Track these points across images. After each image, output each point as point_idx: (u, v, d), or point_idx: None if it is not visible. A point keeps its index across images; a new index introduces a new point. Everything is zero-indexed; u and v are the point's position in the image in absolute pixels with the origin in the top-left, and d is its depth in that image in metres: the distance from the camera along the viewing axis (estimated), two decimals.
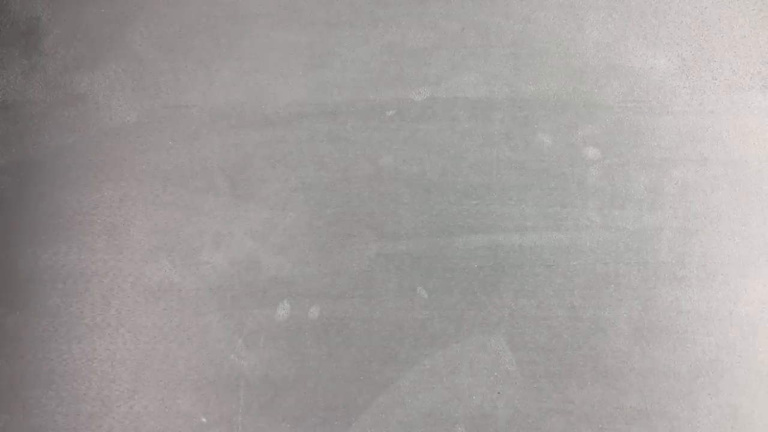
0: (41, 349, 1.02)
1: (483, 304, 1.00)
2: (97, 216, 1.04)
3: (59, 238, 1.04)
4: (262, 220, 1.03)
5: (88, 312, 1.02)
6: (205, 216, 1.03)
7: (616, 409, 0.98)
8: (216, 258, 1.02)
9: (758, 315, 1.00)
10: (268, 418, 0.99)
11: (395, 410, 0.99)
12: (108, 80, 1.07)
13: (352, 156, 1.04)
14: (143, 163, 1.05)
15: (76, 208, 1.05)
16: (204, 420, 1.00)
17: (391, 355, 1.00)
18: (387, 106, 1.05)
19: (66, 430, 1.00)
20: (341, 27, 1.07)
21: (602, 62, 1.05)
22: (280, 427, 0.99)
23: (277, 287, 1.01)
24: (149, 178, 1.04)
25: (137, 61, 1.07)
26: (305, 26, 1.07)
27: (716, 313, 1.00)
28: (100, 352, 1.01)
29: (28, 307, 1.02)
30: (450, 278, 1.00)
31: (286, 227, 1.02)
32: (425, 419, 0.99)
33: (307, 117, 1.05)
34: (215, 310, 1.01)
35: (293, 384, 1.00)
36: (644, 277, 1.00)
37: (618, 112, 1.03)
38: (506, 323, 1.00)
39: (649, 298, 1.00)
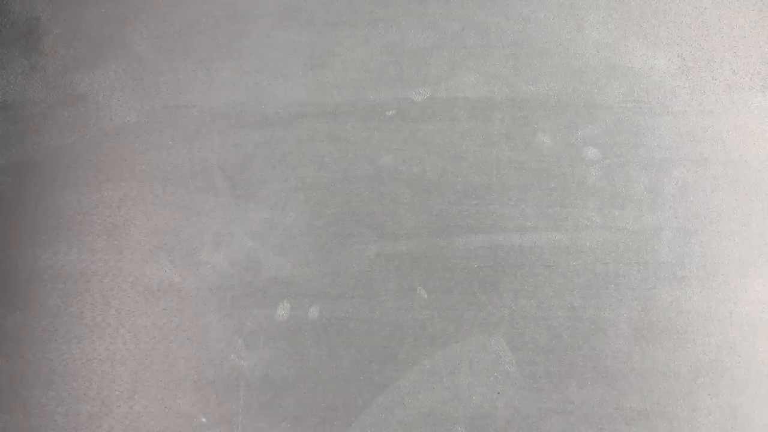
0: (41, 349, 1.02)
1: (483, 304, 1.00)
2: (97, 216, 1.04)
3: (59, 238, 1.04)
4: (262, 220, 1.03)
5: (88, 312, 1.02)
6: (205, 216, 1.03)
7: (615, 409, 0.98)
8: (216, 258, 1.02)
9: (758, 315, 0.99)
10: (268, 418, 0.99)
11: (395, 410, 0.99)
12: (108, 80, 1.07)
13: (352, 156, 1.04)
14: (143, 163, 1.05)
15: (76, 208, 1.05)
16: (204, 420, 1.00)
17: (391, 355, 1.00)
18: (387, 106, 1.05)
19: (66, 430, 1.00)
20: (341, 27, 1.07)
21: (602, 62, 1.05)
22: (280, 427, 0.99)
23: (277, 287, 1.01)
24: (149, 178, 1.04)
25: (137, 61, 1.07)
26: (305, 26, 1.07)
27: (716, 313, 1.00)
28: (100, 352, 1.01)
29: (28, 307, 1.02)
30: (450, 278, 1.00)
31: (286, 227, 1.02)
32: (425, 419, 0.99)
33: (307, 117, 1.05)
34: (215, 310, 1.01)
35: (293, 384, 1.00)
36: (644, 277, 1.00)
37: (618, 112, 1.03)
38: (506, 323, 1.00)
39: (649, 299, 1.00)
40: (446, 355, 1.00)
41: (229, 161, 1.04)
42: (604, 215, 1.02)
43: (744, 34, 1.06)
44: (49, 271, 1.03)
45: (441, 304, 1.00)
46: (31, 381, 1.01)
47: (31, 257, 1.03)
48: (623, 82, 1.04)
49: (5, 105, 1.07)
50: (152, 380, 1.01)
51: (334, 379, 1.00)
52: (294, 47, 1.06)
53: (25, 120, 1.06)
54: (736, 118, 1.03)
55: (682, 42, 1.05)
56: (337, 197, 1.03)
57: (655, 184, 1.02)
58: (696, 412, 0.98)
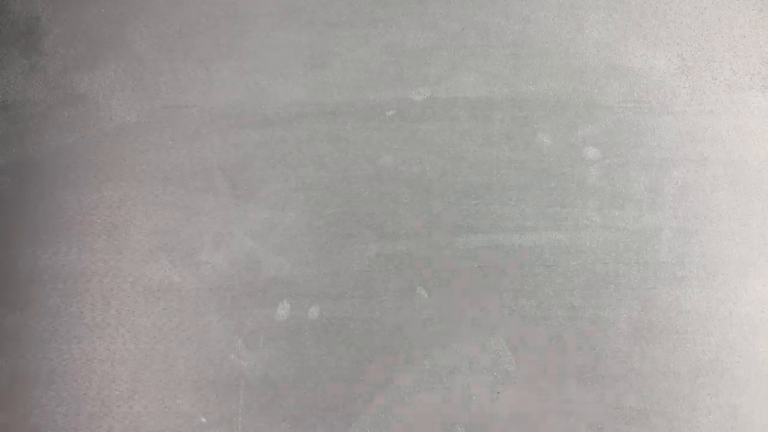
0: (41, 349, 1.02)
1: (483, 304, 1.00)
2: (97, 216, 1.04)
3: (59, 238, 1.04)
4: (262, 220, 1.03)
5: (88, 312, 1.02)
6: (205, 216, 1.03)
7: (615, 409, 0.98)
8: (216, 258, 1.02)
9: (758, 315, 0.99)
10: (268, 418, 0.99)
11: (395, 410, 0.99)
12: (108, 80, 1.07)
13: (352, 156, 1.04)
14: (143, 163, 1.05)
15: (76, 208, 1.05)
16: (204, 420, 1.00)
17: (391, 355, 1.00)
18: (387, 106, 1.05)
19: (66, 430, 1.00)
20: (341, 27, 1.07)
21: (602, 62, 1.05)
22: (280, 427, 0.99)
23: (277, 287, 1.01)
24: (149, 178, 1.04)
25: (137, 61, 1.07)
26: (305, 26, 1.07)
27: (716, 313, 1.00)
28: (100, 352, 1.01)
29: (28, 307, 1.02)
30: (450, 278, 1.00)
31: (286, 227, 1.02)
32: (425, 419, 0.99)
33: (307, 117, 1.05)
34: (215, 310, 1.01)
35: (293, 384, 1.00)
36: (644, 277, 1.00)
37: (618, 112, 1.03)
38: (506, 323, 1.00)
39: (649, 298, 1.00)
40: (446, 355, 1.00)
41: (229, 161, 1.04)
42: (604, 215, 1.02)
43: (744, 34, 1.06)
44: (49, 271, 1.03)
45: (441, 304, 1.00)
46: (31, 381, 1.01)
47: (31, 257, 1.03)
48: (623, 82, 1.04)
49: (5, 105, 1.07)
50: (152, 380, 1.01)
51: (334, 379, 1.00)
52: (294, 47, 1.06)
53: (25, 120, 1.06)
54: (736, 118, 1.03)
55: (682, 42, 1.05)
56: (337, 197, 1.03)
57: (655, 184, 1.02)
58: (696, 412, 0.98)
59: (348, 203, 1.02)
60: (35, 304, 1.03)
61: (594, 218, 1.02)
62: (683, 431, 0.98)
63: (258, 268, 1.02)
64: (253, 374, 1.00)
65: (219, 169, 1.04)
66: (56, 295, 1.03)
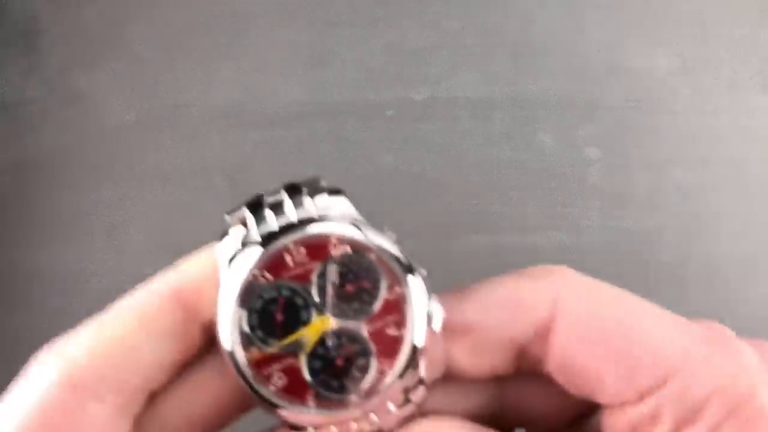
0: (41, 349, 1.02)
1: None
2: (97, 216, 1.04)
3: (58, 238, 1.03)
4: None
5: (88, 312, 1.02)
6: (205, 216, 1.03)
7: None
8: None
9: (760, 315, 0.99)
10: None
11: None
12: (107, 80, 1.06)
13: (352, 156, 1.03)
14: (142, 163, 1.04)
15: (75, 208, 1.04)
16: None
17: None
18: (387, 106, 1.04)
19: None
20: (341, 26, 1.06)
21: (603, 62, 1.05)
22: None
23: None
24: (148, 177, 1.04)
25: (136, 60, 1.07)
26: (305, 26, 1.07)
27: (718, 314, 0.99)
28: None
29: (27, 307, 1.02)
30: (450, 279, 1.00)
31: None
32: None
33: (307, 117, 1.05)
34: None
35: None
36: (645, 278, 1.00)
37: (619, 111, 1.03)
38: None
39: (650, 299, 1.00)
40: None
41: (228, 161, 1.04)
42: (605, 215, 1.01)
43: (746, 33, 1.05)
44: (48, 271, 1.03)
45: None
46: None
47: (29, 257, 1.03)
48: (624, 82, 1.04)
49: (3, 104, 1.06)
50: None
51: None
52: (294, 46, 1.06)
53: (23, 119, 1.06)
54: (738, 118, 1.03)
55: (684, 41, 1.05)
56: None
57: (657, 184, 1.02)
58: None
59: None
60: (34, 304, 1.02)
61: (595, 218, 1.01)
62: None
63: None
64: None
65: (219, 169, 1.04)
66: (55, 295, 1.03)
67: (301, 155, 1.04)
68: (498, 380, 0.45)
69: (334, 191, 0.44)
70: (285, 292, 0.38)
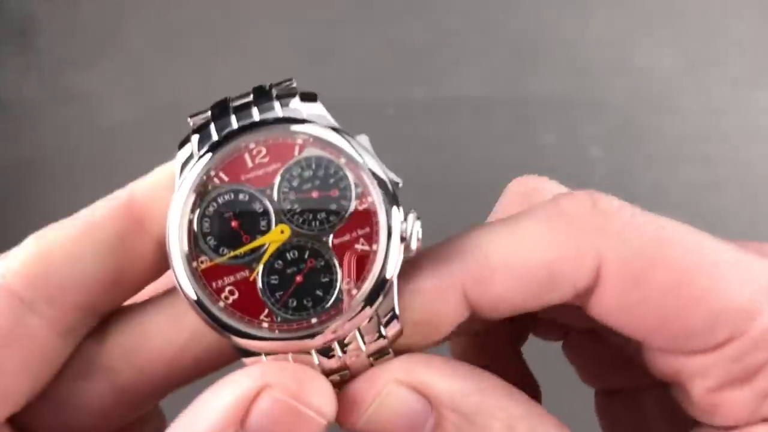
0: None
1: None
2: None
3: None
4: None
5: None
6: None
7: None
8: None
9: None
10: None
11: None
12: (105, 78, 1.06)
13: None
14: (141, 163, 1.03)
15: (72, 208, 1.04)
16: None
17: None
18: (387, 105, 1.04)
19: None
20: (341, 24, 1.06)
21: (607, 60, 1.04)
22: None
23: None
24: None
25: (134, 59, 1.06)
26: (304, 23, 1.06)
27: None
28: None
29: None
30: None
31: None
32: None
33: None
34: None
35: None
36: None
37: (623, 110, 1.02)
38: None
39: None
40: None
41: None
42: None
43: (750, 32, 1.04)
44: None
45: None
46: None
47: None
48: (628, 80, 1.03)
49: (1, 104, 1.06)
50: None
51: None
52: (293, 44, 1.05)
53: (20, 119, 1.05)
54: (743, 117, 1.02)
55: (688, 40, 1.04)
56: None
57: (661, 182, 1.01)
58: None
59: None
60: None
61: None
62: None
63: None
64: None
65: None
66: None
67: None
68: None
69: (307, 96, 0.40)
70: (241, 196, 0.33)
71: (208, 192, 0.34)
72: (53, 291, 0.34)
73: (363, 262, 0.32)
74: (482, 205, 1.07)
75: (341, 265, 0.31)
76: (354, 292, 0.31)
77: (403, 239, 0.33)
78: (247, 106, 0.37)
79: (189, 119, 0.39)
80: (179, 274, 0.33)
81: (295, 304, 0.31)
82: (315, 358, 0.31)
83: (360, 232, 0.32)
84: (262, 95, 0.38)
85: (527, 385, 0.50)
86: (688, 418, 0.35)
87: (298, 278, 0.31)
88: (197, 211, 0.34)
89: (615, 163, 1.01)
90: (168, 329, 0.34)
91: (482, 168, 1.02)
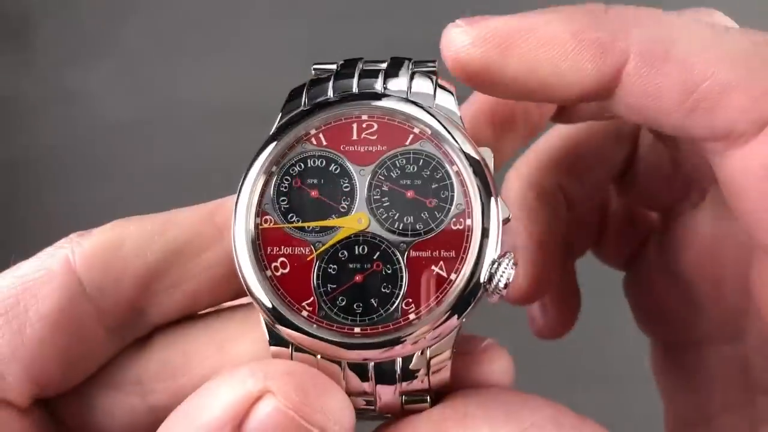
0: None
1: (484, 307, 0.98)
2: (91, 215, 1.03)
3: (52, 237, 1.02)
4: None
5: None
6: None
7: (623, 413, 0.97)
8: None
9: None
10: None
11: None
12: (102, 77, 1.05)
13: None
14: (138, 162, 1.03)
15: (69, 207, 1.03)
16: None
17: None
18: None
19: None
20: (340, 22, 1.05)
21: None
22: None
23: None
24: (144, 176, 1.03)
25: (131, 57, 1.06)
26: (303, 21, 1.06)
27: None
28: None
29: None
30: None
31: None
32: None
33: None
34: None
35: None
36: None
37: None
38: (507, 323, 0.98)
39: None
40: None
41: (225, 159, 1.03)
42: None
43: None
44: None
45: None
46: None
47: (24, 258, 1.02)
48: None
49: None
50: None
51: None
52: (291, 43, 1.05)
53: (17, 117, 1.05)
54: None
55: None
56: None
57: None
58: None
59: None
60: None
61: None
62: None
63: None
64: None
65: (215, 166, 1.03)
66: None
67: None
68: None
69: (443, 87, 0.36)
70: (332, 167, 0.29)
71: (299, 150, 0.31)
72: (109, 281, 0.33)
73: (434, 289, 0.28)
74: None
75: (409, 282, 0.28)
76: (412, 317, 0.27)
77: (488, 282, 0.30)
78: (375, 74, 0.36)
79: (313, 67, 0.37)
80: (238, 223, 0.30)
81: (344, 303, 0.28)
82: (343, 371, 0.27)
83: (444, 254, 0.29)
84: (396, 67, 0.36)
85: (573, 293, 0.54)
86: (756, 383, 0.33)
87: (358, 277, 0.28)
88: (281, 166, 0.31)
89: None
90: (211, 358, 0.32)
91: None
